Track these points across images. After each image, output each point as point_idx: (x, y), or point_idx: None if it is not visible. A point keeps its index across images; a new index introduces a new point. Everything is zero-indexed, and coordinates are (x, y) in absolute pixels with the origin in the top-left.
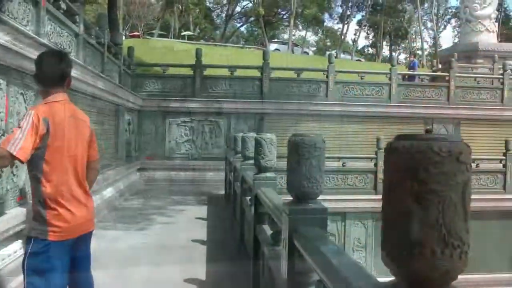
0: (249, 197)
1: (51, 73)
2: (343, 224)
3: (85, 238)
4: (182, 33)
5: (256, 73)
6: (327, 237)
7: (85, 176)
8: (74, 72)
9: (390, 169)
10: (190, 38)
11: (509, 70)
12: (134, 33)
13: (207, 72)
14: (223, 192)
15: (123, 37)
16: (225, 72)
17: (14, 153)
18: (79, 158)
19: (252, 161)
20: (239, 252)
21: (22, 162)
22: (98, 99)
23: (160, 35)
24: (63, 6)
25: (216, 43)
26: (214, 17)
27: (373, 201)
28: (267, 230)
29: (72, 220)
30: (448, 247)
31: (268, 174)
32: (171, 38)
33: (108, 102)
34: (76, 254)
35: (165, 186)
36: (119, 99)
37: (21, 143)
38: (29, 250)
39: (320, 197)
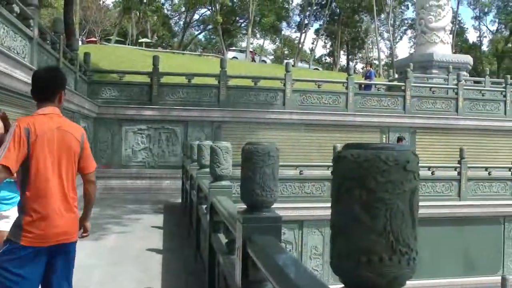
0: (205, 206)
1: (40, 88)
2: (300, 232)
3: (65, 249)
4: (140, 40)
5: (213, 81)
6: (281, 245)
7: (72, 187)
8: (27, 78)
9: (339, 177)
10: (147, 45)
11: (463, 80)
12: (91, 39)
13: (164, 79)
14: (179, 200)
15: (80, 43)
16: (182, 79)
17: None
18: (64, 169)
19: (208, 170)
20: (195, 261)
21: (10, 171)
22: None
23: (118, 42)
24: (17, 9)
25: (174, 51)
26: (172, 24)
27: (330, 209)
28: (223, 238)
29: (46, 228)
30: (396, 254)
31: (224, 183)
32: (128, 44)
33: (63, 109)
34: (53, 263)
35: (121, 195)
36: (75, 106)
37: (4, 152)
38: (2, 250)
39: (277, 205)
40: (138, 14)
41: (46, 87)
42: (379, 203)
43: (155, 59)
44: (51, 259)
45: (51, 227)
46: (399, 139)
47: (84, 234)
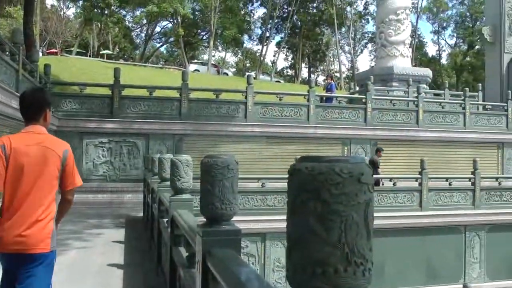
0: (166, 219)
1: (24, 109)
2: (263, 245)
3: (25, 260)
4: (101, 52)
5: (175, 93)
6: (241, 258)
7: (44, 200)
8: None
9: (294, 190)
10: (109, 57)
11: (423, 93)
12: (52, 50)
13: (126, 92)
14: (141, 214)
15: (40, 54)
16: (144, 92)
17: None
18: (38, 182)
19: (169, 183)
20: (156, 275)
21: None
22: (11, 118)
23: (79, 53)
24: None
25: (136, 63)
26: (134, 36)
27: None
28: (184, 252)
29: (5, 235)
30: (351, 265)
31: (184, 196)
32: (90, 56)
33: (22, 122)
34: (17, 276)
35: (82, 209)
36: None
37: None
38: None
39: (239, 218)
40: (99, 25)
41: (29, 108)
42: (333, 215)
43: (116, 71)
44: (15, 270)
45: (9, 236)
46: (378, 150)
47: None
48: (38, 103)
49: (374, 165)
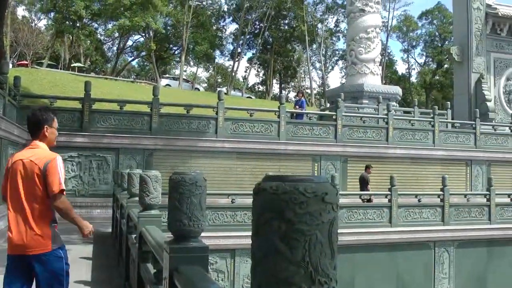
0: (134, 235)
1: (27, 128)
2: (232, 261)
3: (26, 261)
4: (73, 65)
5: (145, 108)
6: (208, 276)
7: (34, 206)
8: None
9: (258, 209)
10: (80, 70)
11: (393, 110)
12: (22, 62)
13: (96, 106)
14: (110, 229)
15: (10, 66)
16: (114, 106)
17: None
18: (26, 192)
19: (138, 198)
20: None
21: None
22: None
23: (50, 65)
24: None
25: (107, 77)
26: (106, 50)
27: None
28: (152, 269)
29: (10, 239)
30: (315, 284)
31: (153, 212)
32: (61, 69)
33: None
34: (33, 274)
35: None
36: (3, 131)
37: None
38: None
39: (209, 234)
40: (71, 38)
41: (28, 126)
42: (298, 234)
43: (87, 85)
44: (29, 269)
45: (12, 240)
46: (367, 167)
47: (83, 236)
48: (34, 122)
49: (363, 181)
